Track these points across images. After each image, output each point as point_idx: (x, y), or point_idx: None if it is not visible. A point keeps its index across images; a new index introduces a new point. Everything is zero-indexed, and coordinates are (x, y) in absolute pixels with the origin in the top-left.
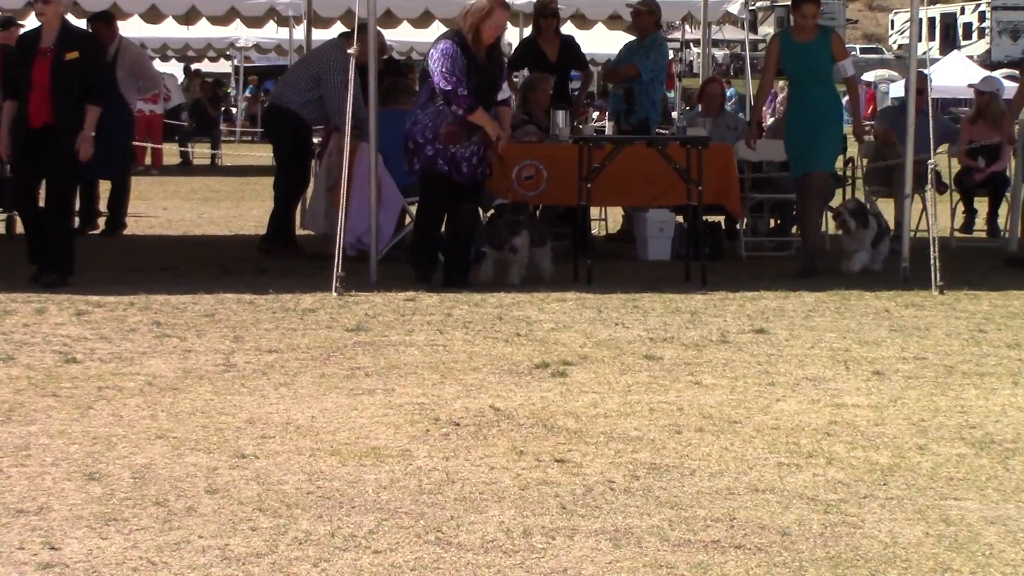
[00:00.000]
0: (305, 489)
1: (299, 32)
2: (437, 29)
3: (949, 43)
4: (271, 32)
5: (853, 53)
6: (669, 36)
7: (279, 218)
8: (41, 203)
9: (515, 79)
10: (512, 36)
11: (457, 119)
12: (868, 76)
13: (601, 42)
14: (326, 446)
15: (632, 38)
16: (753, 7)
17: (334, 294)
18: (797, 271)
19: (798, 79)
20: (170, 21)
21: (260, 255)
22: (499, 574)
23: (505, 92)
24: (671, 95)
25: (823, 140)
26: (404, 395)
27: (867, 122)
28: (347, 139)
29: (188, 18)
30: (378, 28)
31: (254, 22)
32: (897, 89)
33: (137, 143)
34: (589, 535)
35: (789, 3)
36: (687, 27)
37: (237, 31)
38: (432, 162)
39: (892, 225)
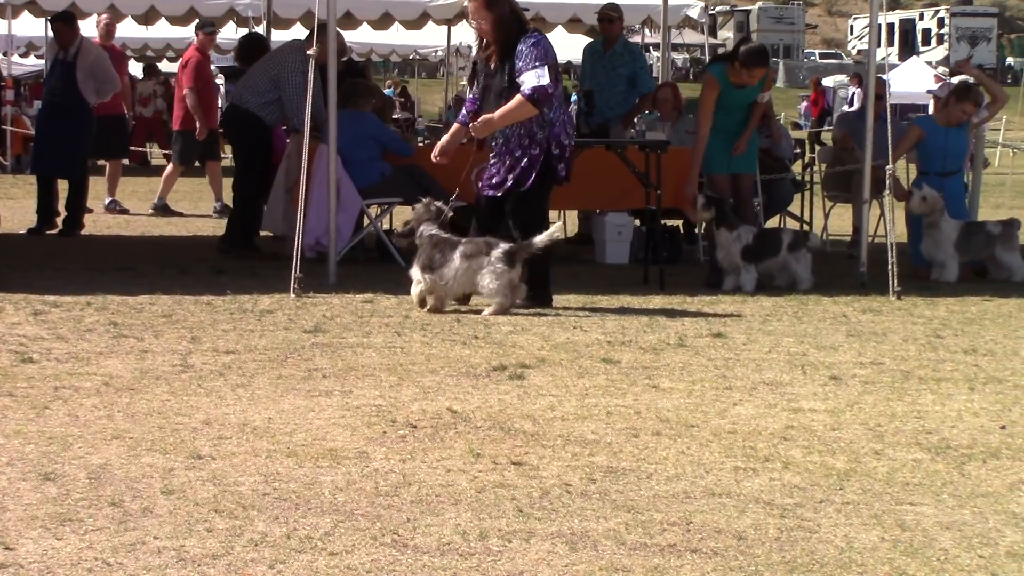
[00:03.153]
0: (261, 490)
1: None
2: (397, 31)
3: (908, 49)
4: (230, 32)
5: (812, 58)
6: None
7: (238, 219)
8: None
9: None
10: (472, 38)
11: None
12: (827, 81)
13: (560, 45)
14: (283, 447)
15: (590, 40)
16: (713, 11)
17: (292, 295)
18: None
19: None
20: (129, 21)
21: (218, 256)
22: None
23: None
24: None
25: (750, 145)
26: (361, 397)
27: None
28: (306, 140)
29: (147, 18)
30: (338, 30)
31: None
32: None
33: (136, 148)
34: (545, 538)
35: (751, 8)
36: (647, 31)
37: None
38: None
39: (851, 231)
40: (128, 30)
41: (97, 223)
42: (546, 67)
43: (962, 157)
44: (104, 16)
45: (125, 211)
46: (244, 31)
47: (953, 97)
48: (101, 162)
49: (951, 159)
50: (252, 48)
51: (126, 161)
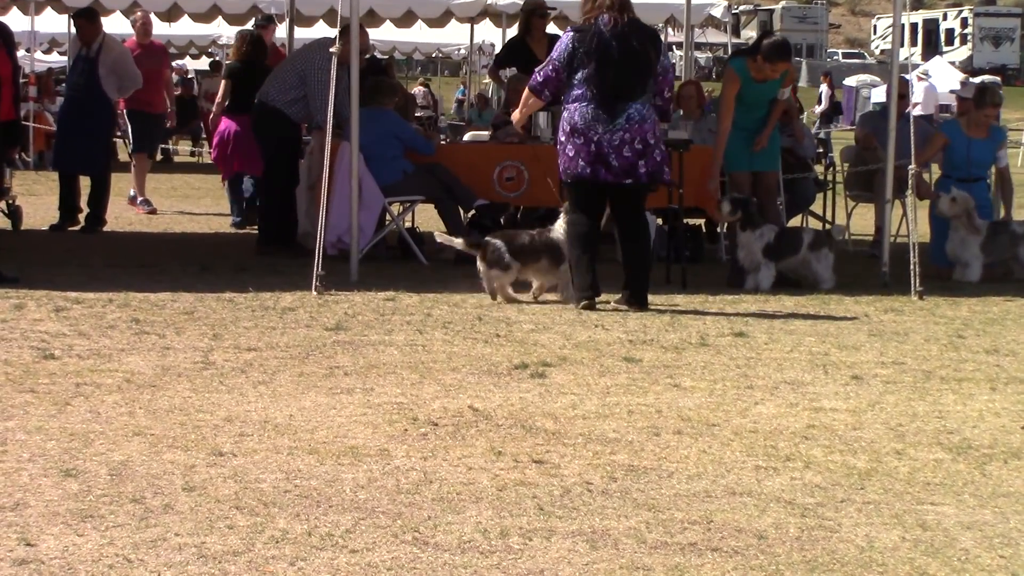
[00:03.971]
0: (283, 488)
1: (281, 30)
2: (420, 29)
3: (931, 49)
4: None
5: (836, 57)
6: None
7: (271, 217)
8: None
9: (503, 78)
10: (495, 36)
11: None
12: (850, 81)
13: None
14: (304, 445)
15: None
16: (736, 11)
17: (314, 293)
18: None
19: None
20: (152, 18)
21: (254, 255)
22: (476, 574)
23: None
24: None
25: (772, 142)
26: (383, 395)
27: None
28: (328, 137)
29: (170, 15)
30: (364, 27)
31: (236, 19)
32: (879, 94)
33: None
34: (566, 536)
35: (774, 7)
36: (670, 30)
37: (219, 28)
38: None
39: (873, 230)
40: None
41: (119, 220)
42: None
43: (987, 166)
44: (140, 14)
45: (154, 211)
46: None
47: (972, 104)
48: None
49: (975, 167)
50: (252, 46)
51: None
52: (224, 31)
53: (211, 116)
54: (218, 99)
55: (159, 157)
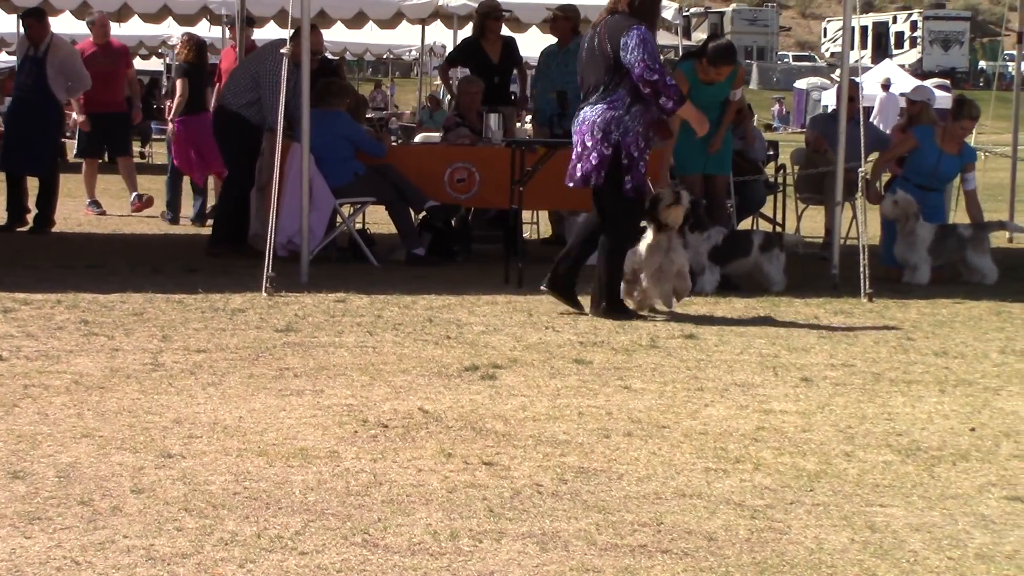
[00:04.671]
0: (232, 490)
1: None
2: (371, 30)
3: (881, 52)
4: (203, 31)
5: (786, 60)
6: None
7: (224, 220)
8: None
9: (453, 78)
10: (446, 38)
11: (664, 112)
12: (800, 83)
13: (535, 45)
14: (253, 446)
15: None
16: (687, 13)
17: (264, 294)
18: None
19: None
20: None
21: (204, 256)
22: None
23: None
24: None
25: (724, 145)
26: (333, 396)
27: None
28: (279, 139)
29: (120, 15)
30: (319, 28)
31: (186, 20)
32: (829, 97)
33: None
34: (516, 538)
35: (725, 10)
36: None
37: (169, 29)
38: (643, 181)
39: (823, 232)
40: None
41: (68, 221)
42: None
43: (950, 180)
44: (97, 14)
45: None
46: (217, 29)
47: (951, 116)
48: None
49: (938, 180)
50: (196, 51)
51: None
52: (175, 31)
53: (170, 114)
54: (179, 97)
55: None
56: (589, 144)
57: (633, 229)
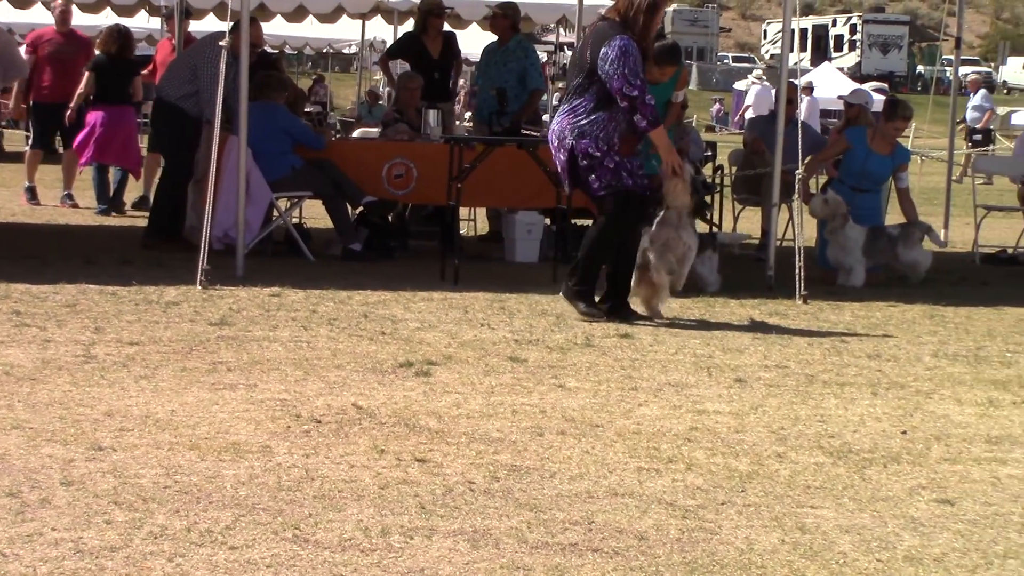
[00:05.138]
0: (162, 483)
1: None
2: (311, 23)
3: (820, 54)
4: (142, 22)
5: (726, 61)
6: (544, 39)
7: (160, 212)
8: None
9: (394, 72)
10: (386, 33)
11: (633, 129)
12: (740, 85)
13: (475, 42)
14: (185, 440)
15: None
16: None
17: (199, 287)
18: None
19: None
20: (39, 8)
21: (139, 248)
22: (356, 573)
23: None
24: (543, 98)
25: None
26: (266, 391)
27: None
28: (216, 131)
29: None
30: (258, 21)
31: (125, 11)
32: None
33: None
34: (447, 535)
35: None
36: (562, 31)
37: (107, 20)
38: (616, 176)
39: (759, 234)
40: (38, 16)
41: (2, 211)
42: None
43: (881, 181)
44: (59, 2)
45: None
46: (156, 20)
47: (883, 116)
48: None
49: (867, 180)
50: (118, 41)
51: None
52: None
53: (69, 109)
54: (79, 90)
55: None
56: (551, 152)
57: (629, 222)
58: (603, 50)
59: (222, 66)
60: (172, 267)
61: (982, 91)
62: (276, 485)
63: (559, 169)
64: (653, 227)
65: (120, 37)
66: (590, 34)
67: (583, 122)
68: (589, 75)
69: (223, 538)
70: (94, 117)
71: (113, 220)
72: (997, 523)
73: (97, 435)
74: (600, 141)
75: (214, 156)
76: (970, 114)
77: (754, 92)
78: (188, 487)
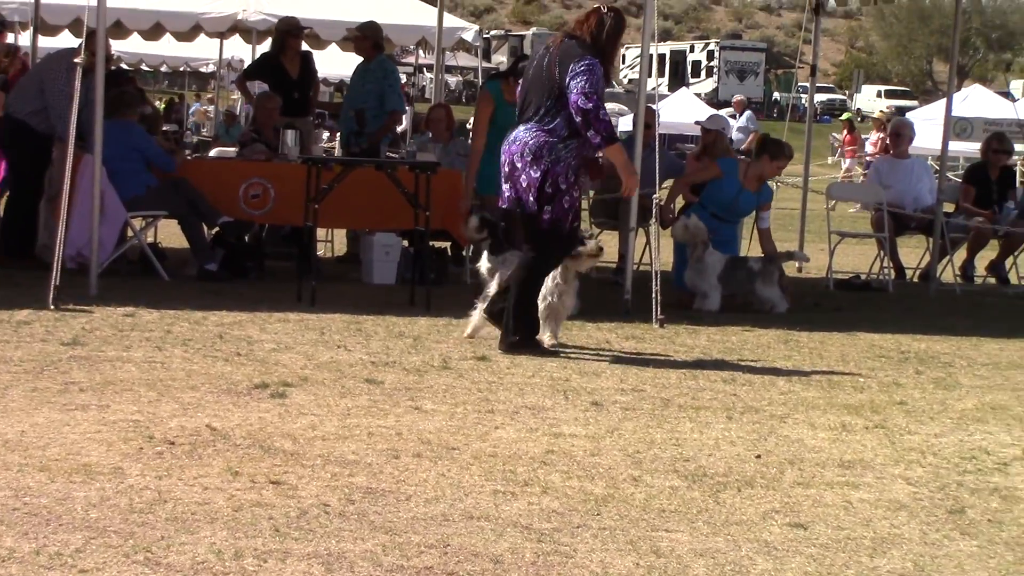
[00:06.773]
0: (11, 505)
1: (24, 39)
2: (168, 42)
3: (678, 80)
4: None
5: None
6: (403, 60)
7: (10, 229)
8: None
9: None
10: (244, 52)
11: (590, 145)
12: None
13: (335, 63)
14: (35, 461)
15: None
16: (487, 35)
17: (51, 307)
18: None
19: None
20: None
21: None
22: None
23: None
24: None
25: None
26: (119, 412)
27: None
28: (70, 149)
29: None
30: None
31: None
32: (626, 123)
33: None
34: (302, 558)
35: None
36: (421, 52)
37: None
38: (565, 216)
39: (616, 258)
40: None
41: None
42: None
43: (745, 215)
44: None
45: None
46: (10, 36)
47: (767, 155)
48: None
49: (733, 213)
50: None
51: None
52: None
53: None
54: None
55: None
56: (519, 165)
57: (554, 260)
58: (572, 66)
59: (77, 83)
60: (24, 286)
61: (748, 112)
62: (128, 507)
63: (524, 186)
64: (549, 282)
65: None
66: (556, 51)
67: (559, 146)
68: (560, 96)
69: (73, 561)
70: None
71: None
72: (849, 547)
73: None
74: (570, 172)
75: (68, 174)
76: (735, 135)
77: None
78: (37, 509)
